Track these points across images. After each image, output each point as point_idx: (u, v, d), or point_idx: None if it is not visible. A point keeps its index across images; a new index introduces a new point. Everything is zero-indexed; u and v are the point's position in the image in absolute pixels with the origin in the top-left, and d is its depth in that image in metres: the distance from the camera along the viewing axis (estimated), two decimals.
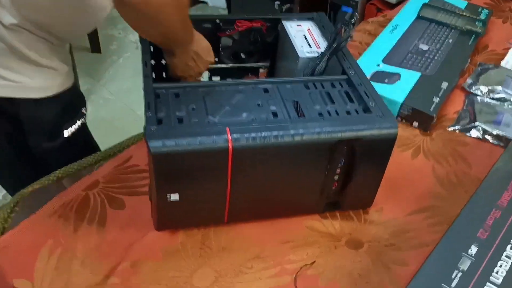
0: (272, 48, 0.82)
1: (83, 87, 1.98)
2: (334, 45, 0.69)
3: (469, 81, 0.95)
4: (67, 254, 0.61)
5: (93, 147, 0.83)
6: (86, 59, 2.13)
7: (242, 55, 0.82)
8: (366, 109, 0.61)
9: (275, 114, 0.60)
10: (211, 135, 0.55)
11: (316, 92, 0.64)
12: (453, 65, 0.94)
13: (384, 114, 0.60)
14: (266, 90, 0.64)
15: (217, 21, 0.78)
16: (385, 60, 0.90)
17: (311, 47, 0.73)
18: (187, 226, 0.65)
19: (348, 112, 0.61)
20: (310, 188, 0.62)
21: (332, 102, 0.63)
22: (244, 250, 0.64)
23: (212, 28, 0.78)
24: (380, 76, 0.87)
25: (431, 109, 0.84)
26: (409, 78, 0.86)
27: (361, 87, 0.64)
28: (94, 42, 2.15)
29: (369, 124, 0.58)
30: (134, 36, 2.36)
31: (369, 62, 0.90)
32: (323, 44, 0.74)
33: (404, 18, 1.00)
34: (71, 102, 0.77)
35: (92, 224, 0.65)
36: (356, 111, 0.61)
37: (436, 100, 0.86)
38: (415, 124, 0.85)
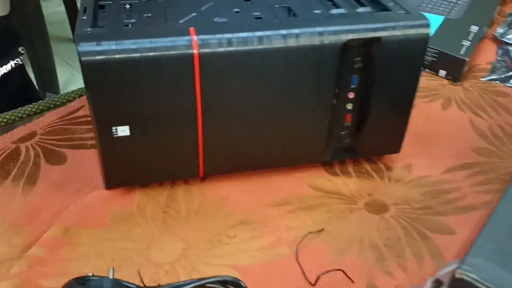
0: None
1: (62, 78, 1.89)
2: None
3: (500, 30, 0.80)
4: None
5: (32, 96, 0.67)
6: (68, 48, 2.08)
7: None
8: (383, 10, 0.45)
9: (258, 18, 0.44)
10: (168, 36, 0.39)
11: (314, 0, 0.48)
12: (480, 11, 0.78)
13: (409, 11, 0.44)
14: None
15: None
16: None
17: None
18: (148, 181, 0.47)
19: (359, 14, 0.45)
20: (312, 121, 0.45)
21: (337, 6, 0.46)
22: (224, 214, 0.46)
23: None
24: None
25: (462, 52, 0.67)
26: (431, 21, 0.71)
27: None
28: None
29: (390, 22, 0.42)
30: None
31: None
32: None
33: None
34: (2, 37, 0.62)
35: (19, 182, 0.48)
36: (370, 14, 0.45)
37: (467, 43, 0.69)
38: (442, 73, 0.69)
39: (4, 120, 0.55)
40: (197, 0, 0.47)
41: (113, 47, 0.38)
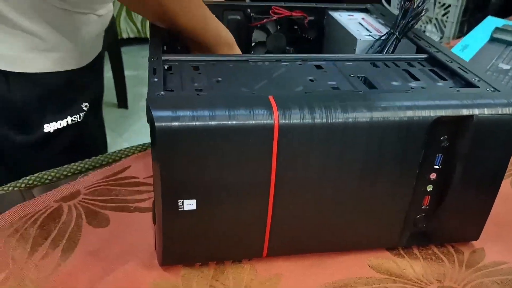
0: (315, 48, 0.66)
1: None
2: (404, 21, 0.52)
3: None
4: (12, 284, 0.40)
5: (83, 155, 0.63)
6: (111, 114, 2.06)
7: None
8: (468, 85, 0.43)
9: (335, 88, 0.41)
10: (247, 106, 0.36)
11: (389, 71, 0.46)
12: None
13: (497, 88, 0.41)
14: (319, 67, 0.46)
15: (248, 10, 0.62)
16: None
17: (370, 32, 0.56)
18: (207, 260, 0.43)
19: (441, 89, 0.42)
20: (390, 203, 0.41)
21: (416, 79, 0.44)
22: None
23: (240, 20, 0.63)
24: None
25: None
26: None
27: (452, 63, 0.46)
28: (122, 98, 2.10)
29: (482, 99, 0.39)
30: None
31: None
32: (385, 30, 0.57)
33: (474, 39, 0.84)
34: (63, 91, 0.59)
35: (58, 244, 0.45)
36: (453, 88, 0.43)
37: None
38: None
39: (49, 177, 0.52)
40: (267, 66, 0.45)
41: (189, 113, 0.35)
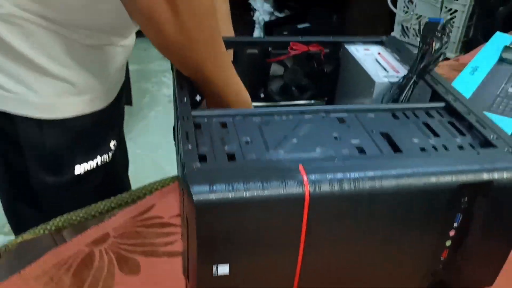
0: (331, 80, 0.67)
1: None
2: (422, 65, 0.54)
3: None
4: None
5: (113, 191, 0.65)
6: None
7: (295, 90, 0.67)
8: (487, 144, 0.44)
9: (361, 150, 0.43)
10: (279, 177, 0.38)
11: (409, 123, 0.48)
12: None
13: None
14: (341, 120, 0.47)
15: (265, 43, 0.63)
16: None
17: (387, 71, 0.58)
18: None
19: (461, 147, 0.44)
20: (411, 261, 0.44)
21: (436, 134, 0.46)
22: None
23: (258, 55, 0.64)
24: None
25: None
26: (503, 126, 0.68)
27: (470, 116, 0.48)
28: (126, 94, 2.09)
29: (501, 162, 0.41)
30: (168, 90, 2.31)
31: None
32: (401, 68, 0.59)
33: (483, 60, 0.85)
34: (93, 131, 0.60)
35: None
36: (472, 146, 0.44)
37: None
38: None
39: (78, 219, 0.54)
40: (291, 121, 0.46)
41: (225, 187, 0.37)
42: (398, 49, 0.62)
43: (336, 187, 0.38)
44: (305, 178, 0.38)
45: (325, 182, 0.38)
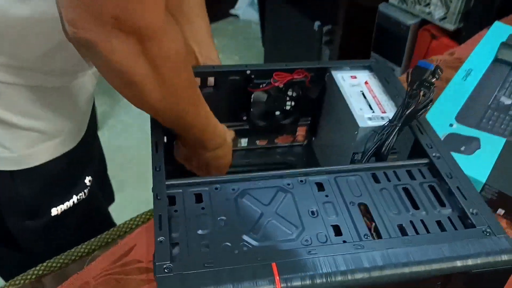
0: (316, 103, 0.64)
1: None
2: (407, 112, 0.51)
3: None
4: None
5: (94, 226, 0.65)
6: (97, 105, 1.95)
7: (278, 114, 0.65)
8: (465, 218, 0.44)
9: (337, 231, 0.43)
10: (251, 277, 0.38)
11: (390, 188, 0.47)
12: None
13: (492, 228, 0.42)
14: (320, 186, 0.46)
15: (248, 72, 0.60)
16: (459, 118, 0.69)
17: (373, 111, 0.55)
18: None
19: (439, 224, 0.44)
20: None
21: (415, 206, 0.45)
22: None
23: (241, 81, 0.61)
24: (454, 141, 0.66)
25: None
26: (491, 145, 0.65)
27: (452, 180, 0.46)
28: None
29: (476, 247, 0.41)
30: None
31: (440, 119, 0.69)
32: (388, 105, 0.56)
33: (478, 60, 0.79)
34: (67, 172, 0.59)
35: None
36: (451, 221, 0.44)
37: None
38: (500, 211, 0.65)
39: (58, 265, 0.55)
40: (269, 194, 0.46)
41: None
42: (386, 78, 0.59)
43: (307, 282, 0.38)
44: (277, 277, 0.38)
45: (297, 280, 0.38)
